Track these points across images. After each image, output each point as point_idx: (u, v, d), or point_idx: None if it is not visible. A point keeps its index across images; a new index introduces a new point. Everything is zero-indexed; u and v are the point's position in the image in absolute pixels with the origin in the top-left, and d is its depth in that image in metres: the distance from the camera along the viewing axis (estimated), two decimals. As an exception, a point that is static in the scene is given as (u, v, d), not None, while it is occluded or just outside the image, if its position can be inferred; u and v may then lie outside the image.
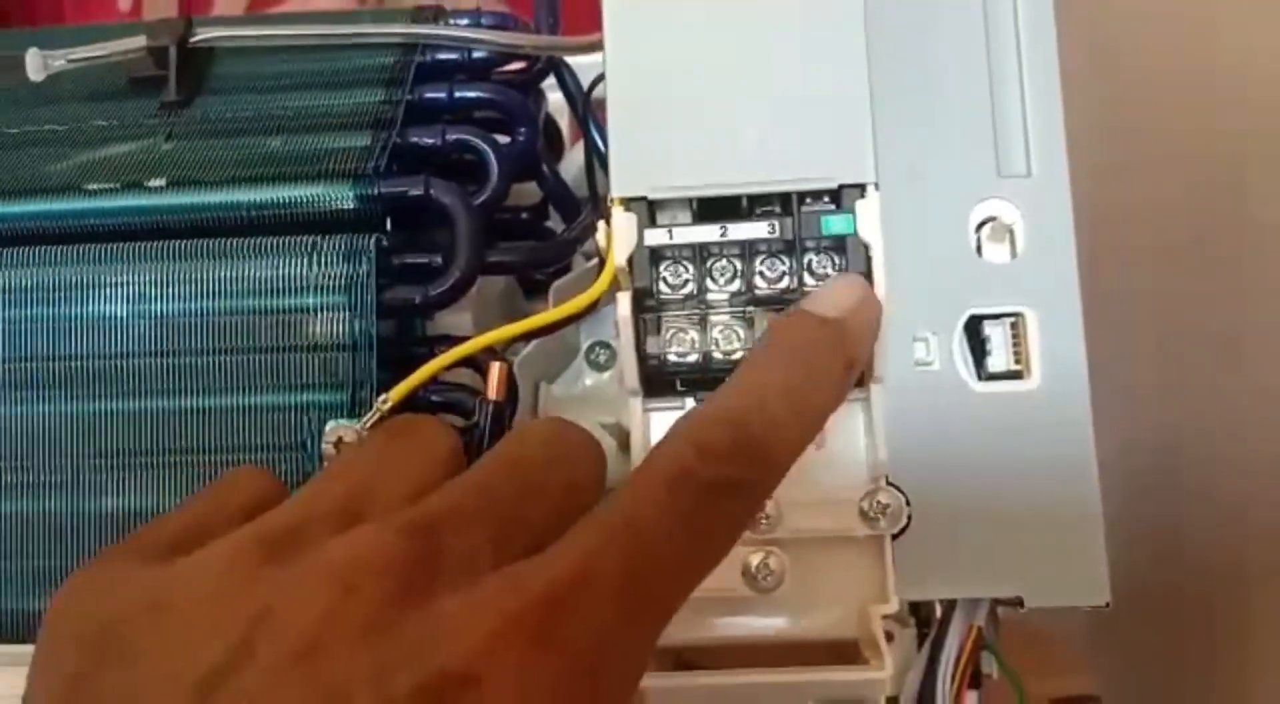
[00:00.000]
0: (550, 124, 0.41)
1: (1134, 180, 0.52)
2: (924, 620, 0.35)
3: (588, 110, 0.38)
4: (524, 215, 0.39)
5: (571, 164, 0.42)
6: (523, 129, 0.35)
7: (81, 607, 0.23)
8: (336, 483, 0.24)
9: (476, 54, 0.36)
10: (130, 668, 0.21)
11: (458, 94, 0.35)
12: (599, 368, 0.39)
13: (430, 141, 0.33)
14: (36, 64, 0.35)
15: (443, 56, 0.36)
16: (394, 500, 0.24)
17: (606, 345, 0.39)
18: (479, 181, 0.34)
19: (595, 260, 0.33)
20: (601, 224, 0.30)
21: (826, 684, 0.28)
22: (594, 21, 0.33)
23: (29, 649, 0.23)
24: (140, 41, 0.35)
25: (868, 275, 0.29)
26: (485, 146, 0.33)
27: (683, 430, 0.25)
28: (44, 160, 0.33)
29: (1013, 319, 0.32)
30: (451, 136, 0.33)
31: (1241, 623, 0.49)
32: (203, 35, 0.35)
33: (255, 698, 0.20)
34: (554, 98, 0.40)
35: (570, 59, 0.38)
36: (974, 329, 0.32)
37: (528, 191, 0.39)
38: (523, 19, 0.37)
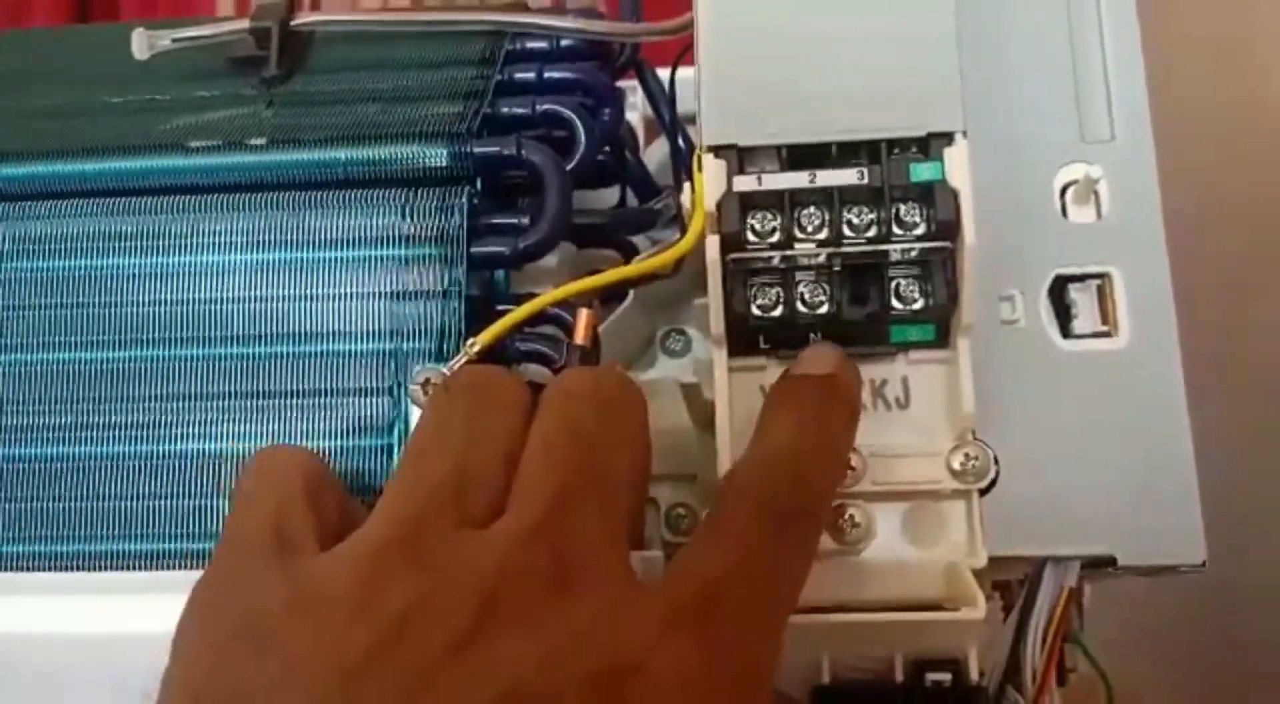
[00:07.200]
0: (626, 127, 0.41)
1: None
2: (1008, 604, 0.34)
3: (671, 105, 0.38)
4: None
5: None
6: (608, 110, 0.36)
7: (220, 599, 0.24)
8: (438, 463, 0.25)
9: (564, 42, 0.37)
10: (274, 656, 0.22)
11: (547, 74, 0.36)
12: (673, 355, 0.39)
13: (521, 111, 0.34)
14: (141, 43, 0.36)
15: (531, 45, 0.37)
16: (496, 476, 0.25)
17: (681, 332, 0.39)
18: (567, 153, 0.34)
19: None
20: (690, 177, 0.31)
21: (919, 627, 0.28)
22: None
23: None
24: (243, 24, 0.37)
25: (956, 223, 0.29)
26: (574, 117, 0.34)
27: (745, 472, 0.27)
28: (147, 123, 0.34)
29: (1099, 281, 0.32)
30: (542, 107, 0.34)
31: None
32: (303, 19, 0.37)
33: (408, 685, 0.21)
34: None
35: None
36: (1057, 294, 0.32)
37: (604, 200, 0.40)
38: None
